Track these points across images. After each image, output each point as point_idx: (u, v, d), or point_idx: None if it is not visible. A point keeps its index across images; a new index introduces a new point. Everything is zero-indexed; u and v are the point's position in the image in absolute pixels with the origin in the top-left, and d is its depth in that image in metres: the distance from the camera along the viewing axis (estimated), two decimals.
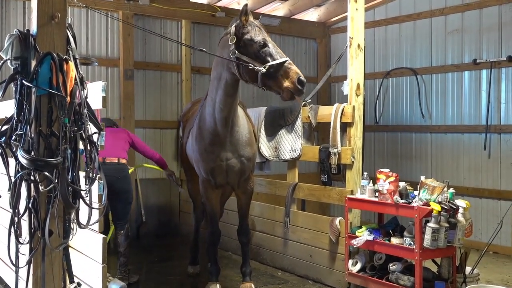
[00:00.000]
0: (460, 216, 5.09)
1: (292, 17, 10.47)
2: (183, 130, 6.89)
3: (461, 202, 5.18)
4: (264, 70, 4.95)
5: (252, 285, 6.05)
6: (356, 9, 6.15)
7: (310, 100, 6.92)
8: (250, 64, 5.00)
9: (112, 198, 6.08)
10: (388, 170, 5.44)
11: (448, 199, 5.07)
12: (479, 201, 8.21)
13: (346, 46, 6.19)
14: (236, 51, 5.09)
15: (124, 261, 6.26)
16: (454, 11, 8.66)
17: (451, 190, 5.22)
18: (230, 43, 5.14)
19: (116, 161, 6.25)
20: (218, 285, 5.96)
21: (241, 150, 5.68)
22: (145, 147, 6.89)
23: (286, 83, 4.94)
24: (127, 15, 8.68)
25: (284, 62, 4.98)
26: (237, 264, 6.67)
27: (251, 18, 5.22)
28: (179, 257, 7.60)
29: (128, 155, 6.59)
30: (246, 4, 5.28)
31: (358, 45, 6.13)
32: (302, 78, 4.91)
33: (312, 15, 10.71)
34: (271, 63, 4.97)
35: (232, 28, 5.17)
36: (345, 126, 6.17)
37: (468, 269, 5.53)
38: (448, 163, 8.75)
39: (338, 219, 6.15)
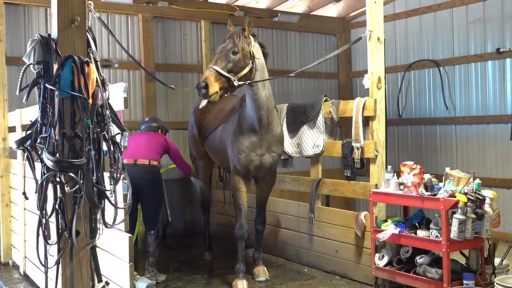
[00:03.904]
0: (487, 207, 5.02)
1: (311, 13, 10.45)
2: (197, 123, 7.23)
3: (487, 193, 5.10)
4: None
5: (265, 268, 6.46)
6: (375, 2, 6.10)
7: (293, 75, 7.25)
8: None
9: (143, 199, 6.34)
10: (412, 162, 5.40)
11: (474, 190, 5.00)
12: (507, 192, 8.09)
13: (365, 35, 6.14)
14: None
15: (153, 261, 6.34)
16: (475, 0, 8.53)
17: (477, 180, 5.14)
18: None
19: (147, 163, 6.37)
20: (244, 281, 6.05)
21: (274, 147, 6.13)
22: (179, 158, 7.08)
23: None
24: (147, 18, 8.77)
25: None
26: (265, 262, 6.70)
27: (231, 29, 5.94)
28: None
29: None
30: (229, 21, 6.18)
31: (378, 38, 6.09)
32: (198, 85, 5.55)
33: (331, 10, 10.66)
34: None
35: None
36: (367, 120, 6.14)
37: (497, 260, 5.45)
38: (474, 154, 8.64)
39: (363, 213, 6.12)
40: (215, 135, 6.74)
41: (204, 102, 5.78)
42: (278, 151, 6.24)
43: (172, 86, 6.10)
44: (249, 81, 5.74)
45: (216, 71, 5.52)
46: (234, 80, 5.60)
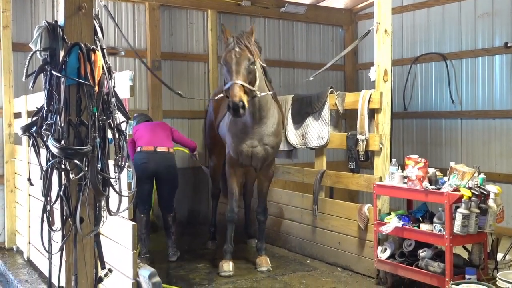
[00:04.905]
0: (491, 202, 5.00)
1: (318, 4, 10.38)
2: (214, 110, 7.25)
3: (492, 188, 5.09)
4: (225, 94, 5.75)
5: (267, 259, 6.46)
6: None
7: (312, 78, 7.12)
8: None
9: (160, 185, 6.78)
10: (417, 156, 5.39)
11: (478, 185, 4.98)
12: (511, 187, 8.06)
13: (373, 28, 6.11)
14: None
15: (174, 239, 6.95)
16: None
17: (482, 175, 5.12)
18: None
19: (166, 150, 6.69)
20: (231, 263, 6.23)
21: (266, 139, 6.15)
22: (183, 138, 7.33)
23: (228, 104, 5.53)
24: (153, 6, 8.75)
25: (230, 85, 5.52)
26: (268, 253, 6.70)
27: (229, 35, 5.80)
28: None
29: None
30: (222, 24, 6.10)
31: (385, 30, 6.06)
32: (230, 104, 5.41)
33: (338, 1, 10.59)
34: (225, 88, 5.68)
35: None
36: (372, 113, 6.12)
37: (499, 255, 5.44)
38: (479, 149, 8.60)
39: (366, 206, 6.12)
40: (224, 122, 6.84)
41: (220, 95, 6.01)
42: (271, 143, 6.25)
43: (179, 92, 6.36)
44: (270, 92, 6.01)
45: (244, 86, 5.52)
46: (256, 92, 5.72)
